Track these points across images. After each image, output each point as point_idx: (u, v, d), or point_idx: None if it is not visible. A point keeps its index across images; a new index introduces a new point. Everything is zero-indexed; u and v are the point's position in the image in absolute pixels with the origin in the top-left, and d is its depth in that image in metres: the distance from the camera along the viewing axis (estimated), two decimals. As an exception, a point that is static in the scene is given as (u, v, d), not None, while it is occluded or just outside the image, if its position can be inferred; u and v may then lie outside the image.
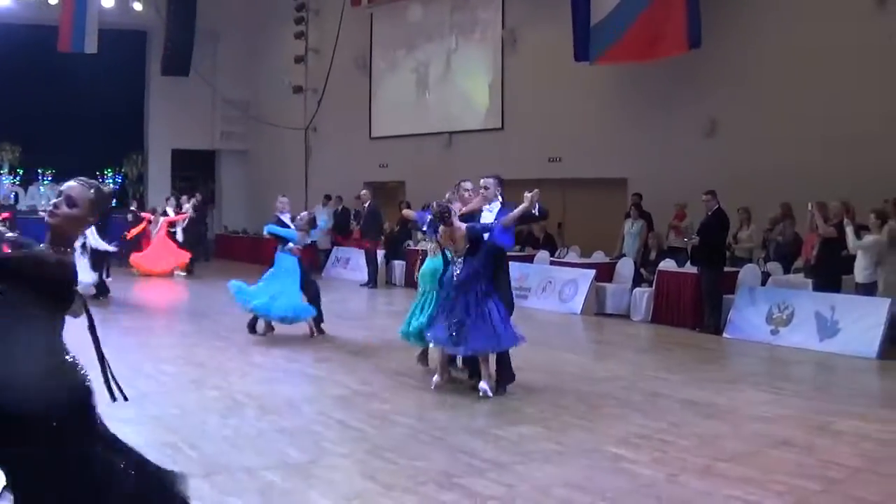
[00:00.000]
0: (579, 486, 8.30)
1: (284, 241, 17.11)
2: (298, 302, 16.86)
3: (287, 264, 16.96)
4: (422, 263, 14.00)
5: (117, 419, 10.33)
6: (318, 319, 17.17)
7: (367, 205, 27.35)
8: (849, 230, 17.00)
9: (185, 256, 28.82)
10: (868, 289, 17.10)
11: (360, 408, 11.50)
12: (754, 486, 8.37)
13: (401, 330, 13.84)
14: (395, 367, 14.23)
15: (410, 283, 25.75)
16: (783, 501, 7.98)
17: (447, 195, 13.71)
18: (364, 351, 15.87)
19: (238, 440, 9.93)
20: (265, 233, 18.57)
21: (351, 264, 29.52)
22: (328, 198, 32.33)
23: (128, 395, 5.62)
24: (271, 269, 17.06)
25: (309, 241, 17.79)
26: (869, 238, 17.01)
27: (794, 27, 21.59)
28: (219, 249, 37.90)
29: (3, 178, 36.87)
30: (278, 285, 16.67)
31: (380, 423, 10.71)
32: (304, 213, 18.20)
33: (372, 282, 27.05)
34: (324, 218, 19.90)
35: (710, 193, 18.69)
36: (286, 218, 17.77)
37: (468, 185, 13.93)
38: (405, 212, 17.19)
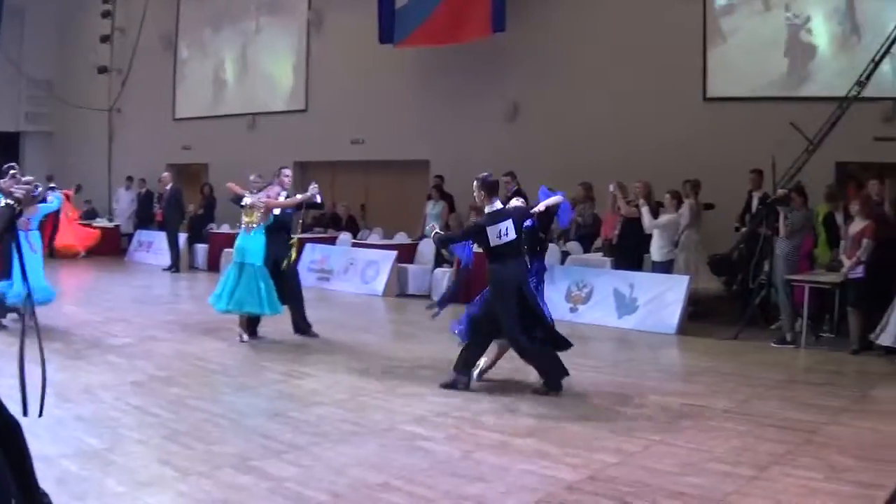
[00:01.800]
0: (374, 466, 8.30)
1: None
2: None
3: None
4: None
5: None
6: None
7: (168, 188, 26.59)
8: (644, 210, 17.20)
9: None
10: (665, 267, 17.46)
11: (158, 393, 11.15)
12: (550, 460, 8.47)
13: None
14: (193, 351, 13.89)
15: (214, 266, 25.33)
16: (578, 474, 8.06)
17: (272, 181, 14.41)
18: (163, 336, 15.32)
19: (35, 428, 9.53)
20: None
21: (154, 248, 28.48)
22: (130, 179, 31.32)
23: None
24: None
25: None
26: (664, 217, 17.27)
27: (595, 13, 21.89)
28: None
29: None
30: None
31: (177, 408, 10.44)
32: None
33: (174, 266, 26.37)
34: (59, 196, 18.75)
35: (510, 175, 18.66)
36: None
37: (288, 171, 14.71)
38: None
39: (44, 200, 15.97)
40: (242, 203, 14.62)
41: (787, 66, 19.55)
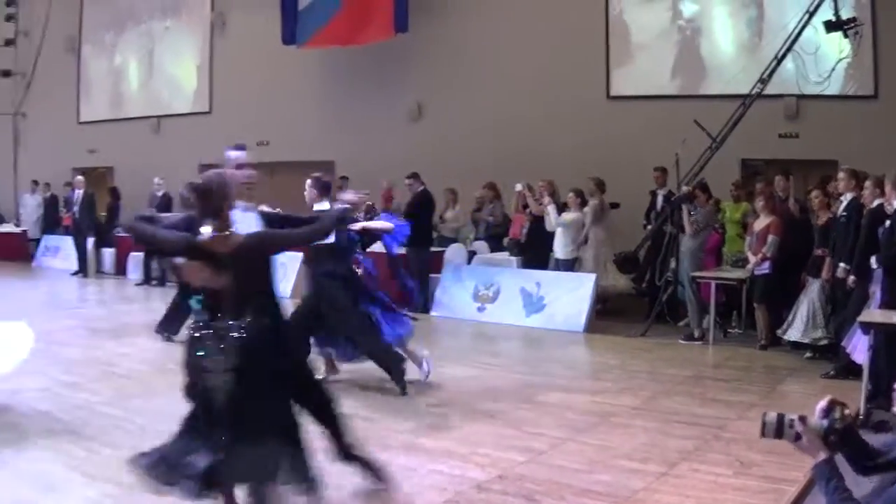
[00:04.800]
0: None
1: None
2: None
3: None
4: None
5: None
6: None
7: (80, 192, 25.95)
8: (550, 208, 17.17)
9: None
10: (568, 265, 17.38)
11: (65, 399, 10.94)
12: (458, 459, 8.47)
13: None
14: (99, 356, 13.65)
15: (121, 271, 24.89)
16: (486, 474, 8.03)
17: None
18: (73, 341, 15.00)
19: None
20: None
21: (61, 253, 27.83)
22: (36, 184, 30.52)
23: None
24: None
25: None
26: (568, 215, 17.17)
27: (498, 13, 21.86)
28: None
29: None
30: None
31: (85, 413, 10.23)
32: None
33: (82, 271, 25.75)
34: None
35: (413, 177, 18.68)
36: None
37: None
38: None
39: None
40: None
41: (690, 63, 19.53)
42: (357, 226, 11.56)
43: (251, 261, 6.19)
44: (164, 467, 6.22)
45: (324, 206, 11.22)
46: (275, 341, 6.24)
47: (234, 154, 9.37)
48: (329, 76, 24.81)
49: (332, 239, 10.57)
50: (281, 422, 6.29)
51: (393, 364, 11.38)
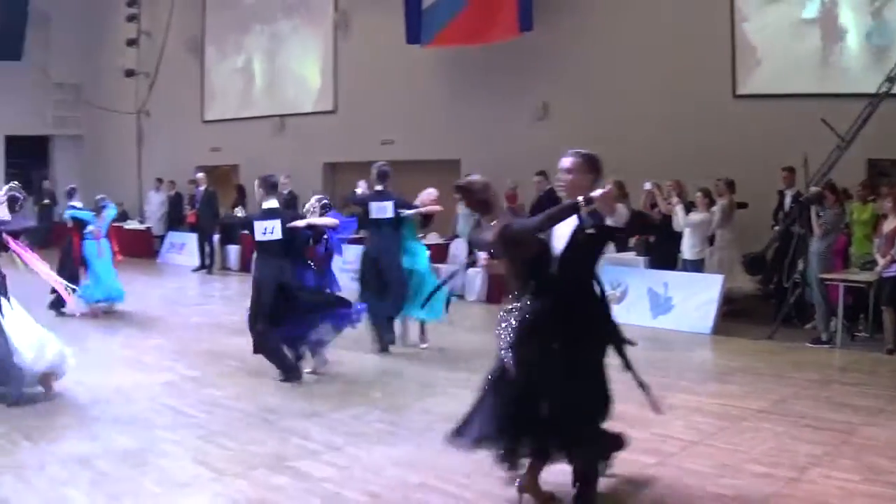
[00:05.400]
0: (411, 466, 8.38)
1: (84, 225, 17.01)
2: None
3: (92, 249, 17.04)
4: None
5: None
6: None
7: (201, 189, 26.62)
8: (679, 208, 17.15)
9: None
10: (696, 265, 17.40)
11: (191, 394, 11.29)
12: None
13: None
14: (224, 351, 13.95)
15: (245, 268, 25.38)
16: (619, 474, 7.99)
17: None
18: (198, 336, 15.49)
19: (70, 430, 9.53)
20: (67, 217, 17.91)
21: (186, 250, 28.60)
22: (160, 181, 31.44)
23: None
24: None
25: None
26: (696, 215, 17.17)
27: (623, 12, 21.74)
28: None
29: None
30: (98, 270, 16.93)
31: (211, 408, 10.54)
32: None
33: (205, 267, 26.37)
34: (114, 206, 19.37)
35: (542, 174, 18.66)
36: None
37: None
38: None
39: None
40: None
41: (816, 62, 19.43)
42: (302, 222, 12.37)
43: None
44: (490, 437, 7.06)
45: (271, 203, 12.17)
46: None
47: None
48: (453, 75, 24.91)
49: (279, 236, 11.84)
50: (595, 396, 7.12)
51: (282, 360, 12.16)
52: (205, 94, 33.04)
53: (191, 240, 27.61)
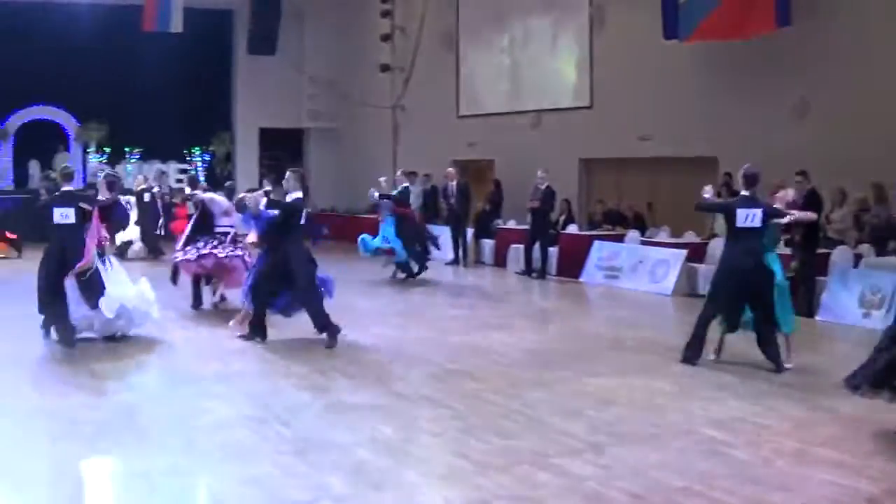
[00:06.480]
0: (674, 469, 8.45)
1: None
2: None
3: None
4: None
5: (210, 395, 10.66)
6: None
7: (454, 183, 27.33)
8: None
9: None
10: None
11: (452, 386, 11.69)
12: (848, 469, 8.45)
13: None
14: (486, 345, 14.35)
15: (500, 262, 26.01)
16: (877, 486, 8.03)
17: None
18: (455, 329, 15.99)
19: (329, 417, 10.11)
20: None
21: (440, 242, 28.98)
22: (414, 174, 31.45)
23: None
24: None
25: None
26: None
27: (885, 6, 21.26)
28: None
29: (91, 157, 36.93)
30: None
31: (472, 401, 10.91)
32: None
33: (458, 260, 27.09)
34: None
35: (802, 174, 18.40)
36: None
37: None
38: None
39: None
40: None
41: None
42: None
43: None
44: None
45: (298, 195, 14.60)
46: None
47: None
48: (710, 70, 24.77)
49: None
50: None
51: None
52: (459, 89, 33.72)
53: (446, 233, 28.06)
